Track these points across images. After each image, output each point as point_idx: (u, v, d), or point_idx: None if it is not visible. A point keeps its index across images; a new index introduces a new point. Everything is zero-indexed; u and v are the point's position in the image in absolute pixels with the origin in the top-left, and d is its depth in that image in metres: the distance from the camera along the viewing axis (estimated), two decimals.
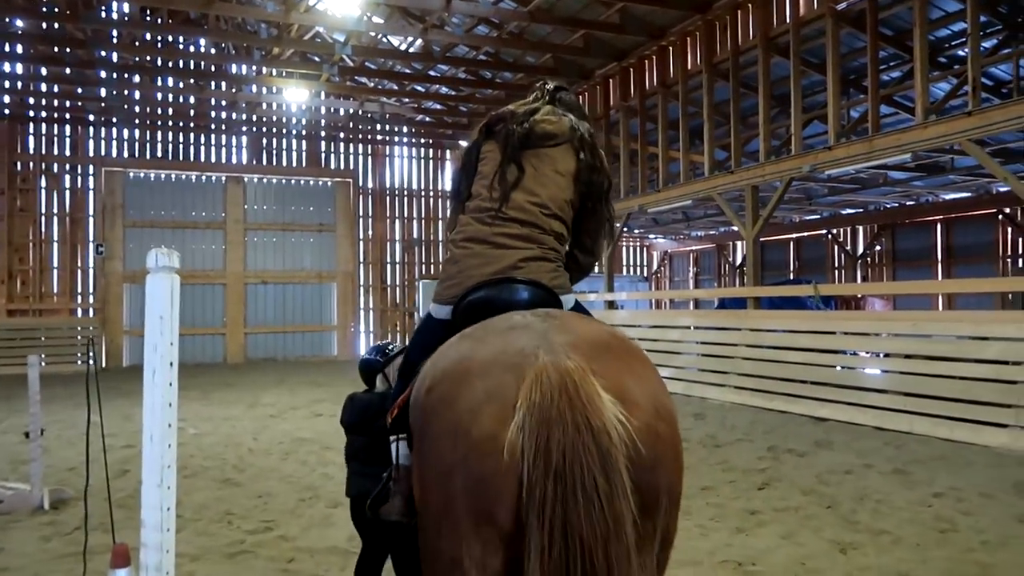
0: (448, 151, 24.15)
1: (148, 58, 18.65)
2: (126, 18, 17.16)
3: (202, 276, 20.90)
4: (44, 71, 17.64)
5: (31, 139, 19.91)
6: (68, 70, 17.21)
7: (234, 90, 18.84)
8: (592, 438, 1.59)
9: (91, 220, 20.30)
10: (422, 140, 23.69)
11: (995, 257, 17.96)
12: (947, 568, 4.37)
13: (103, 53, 16.22)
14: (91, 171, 20.29)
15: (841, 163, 10.24)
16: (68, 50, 15.88)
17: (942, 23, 11.69)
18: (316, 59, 17.60)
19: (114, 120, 20.24)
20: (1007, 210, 17.43)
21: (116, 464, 7.61)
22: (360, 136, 22.94)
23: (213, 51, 18.51)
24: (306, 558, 4.80)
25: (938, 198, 19.19)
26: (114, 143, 20.64)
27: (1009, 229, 17.88)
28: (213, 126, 21.37)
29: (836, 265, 21.92)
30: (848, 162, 10.30)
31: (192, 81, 19.35)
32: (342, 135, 22.80)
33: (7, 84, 18.40)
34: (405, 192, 23.79)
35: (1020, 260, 17.68)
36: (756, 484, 6.48)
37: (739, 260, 25.39)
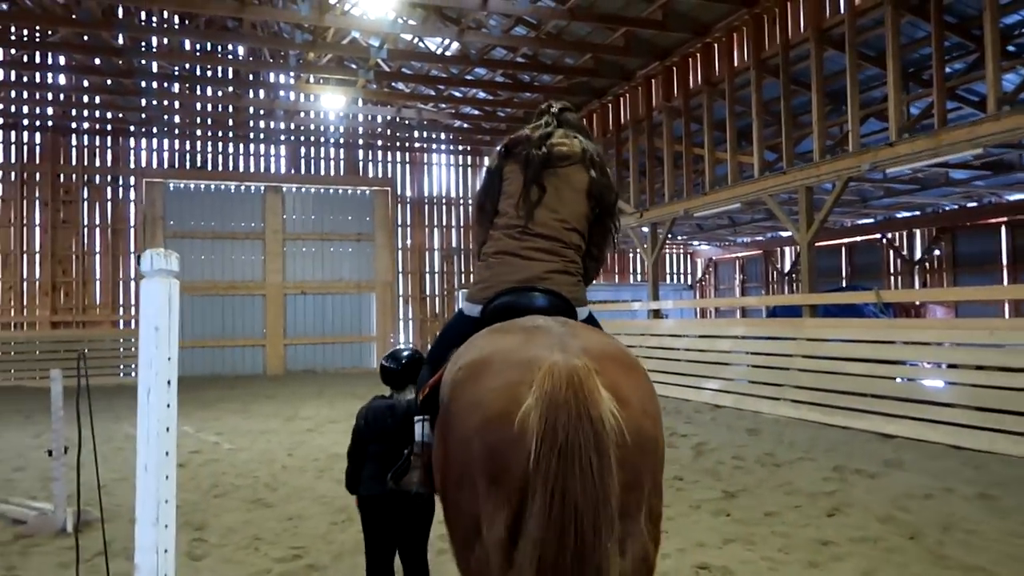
0: (486, 158, 23.82)
1: (187, 67, 18.72)
2: (164, 25, 17.20)
3: (242, 287, 20.86)
4: (86, 82, 17.78)
5: (73, 151, 20.11)
6: (108, 81, 17.32)
7: (272, 97, 18.78)
8: (590, 424, 1.87)
9: (132, 231, 20.42)
10: (459, 147, 23.42)
11: None
12: None
13: (142, 62, 16.26)
14: (132, 182, 20.41)
15: (904, 160, 9.56)
16: (108, 60, 15.96)
17: (1012, 8, 10.89)
18: (352, 66, 17.42)
19: (154, 131, 20.36)
20: None
21: None
22: (398, 144, 22.76)
23: (251, 58, 18.48)
24: None
25: (1001, 199, 18.20)
26: (154, 154, 20.77)
27: None
28: (251, 135, 21.39)
29: (892, 271, 20.95)
30: (913, 159, 9.62)
31: (230, 90, 19.37)
32: (380, 143, 22.66)
33: (50, 96, 18.62)
34: (443, 200, 23.52)
35: None
36: (825, 510, 5.92)
37: (788, 267, 24.57)
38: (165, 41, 17.09)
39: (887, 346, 9.77)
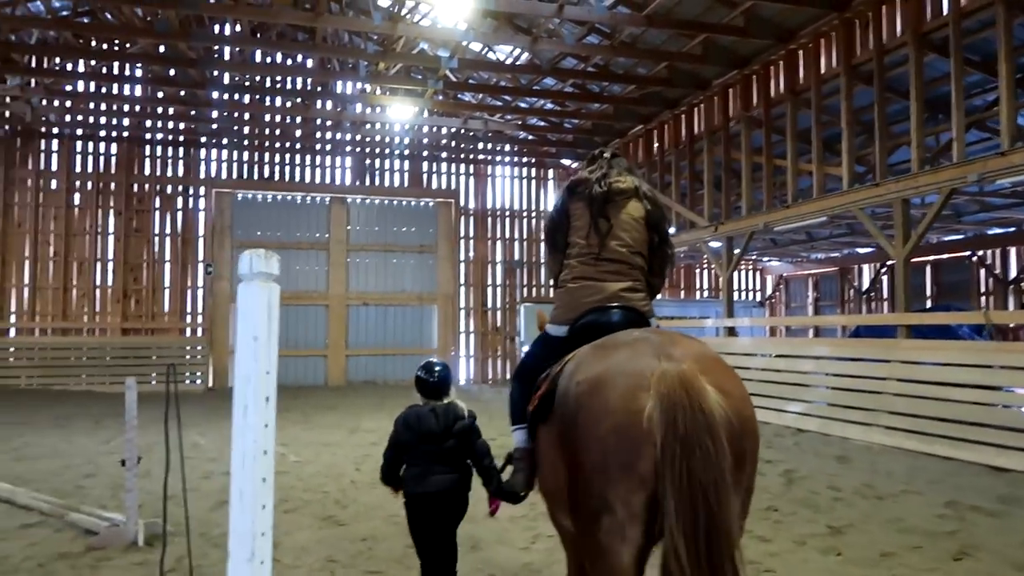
0: (551, 170, 23.49)
1: (257, 79, 18.93)
2: (238, 34, 17.40)
3: (306, 297, 20.93)
4: (160, 94, 18.11)
5: (147, 161, 20.53)
6: (182, 92, 17.60)
7: (339, 108, 18.83)
8: (704, 416, 2.26)
9: (201, 240, 20.69)
10: (524, 159, 23.15)
11: None
12: None
13: (215, 73, 16.45)
14: (202, 192, 20.72)
15: (1021, 171, 8.82)
16: (182, 71, 16.20)
17: None
18: (420, 76, 17.35)
19: (224, 142, 20.65)
20: None
21: (215, 494, 7.15)
22: (462, 155, 22.61)
23: (319, 69, 18.59)
24: None
25: None
26: (223, 165, 21.04)
27: None
28: (318, 146, 21.52)
29: (982, 291, 19.74)
30: None
31: (299, 100, 19.51)
32: (444, 154, 22.54)
33: (126, 107, 19.04)
34: (507, 212, 23.25)
35: None
36: (950, 552, 5.33)
37: (866, 285, 23.51)
38: (237, 51, 17.29)
39: (987, 371, 9.01)
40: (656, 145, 18.32)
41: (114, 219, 20.13)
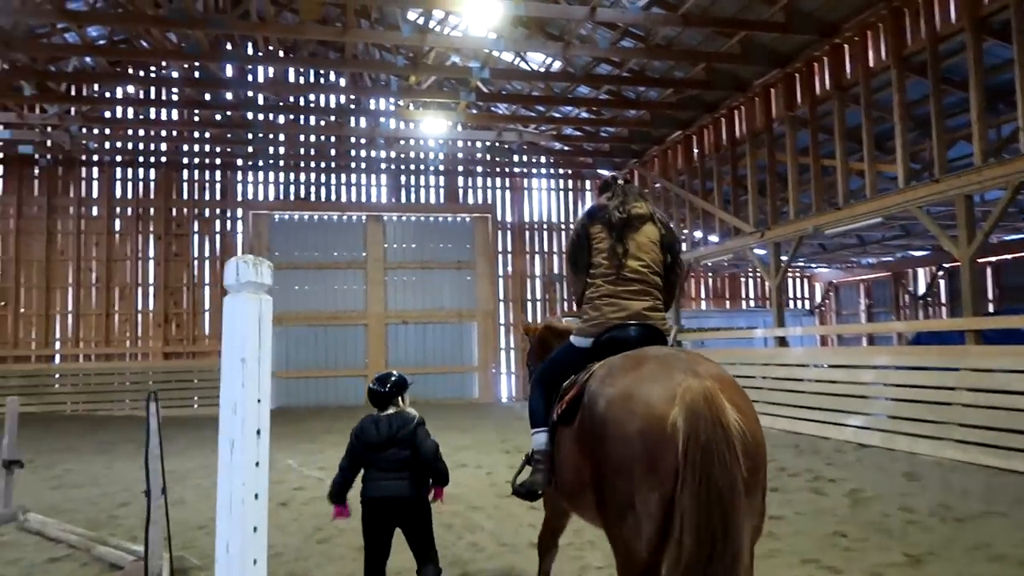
0: (588, 181, 23.05)
1: (291, 98, 18.92)
2: (271, 52, 17.41)
3: (344, 316, 20.77)
4: (196, 117, 18.21)
5: (184, 185, 20.67)
6: (217, 116, 17.65)
7: (373, 125, 18.71)
8: (722, 429, 2.50)
9: None
10: (560, 171, 22.77)
11: None
12: None
13: (249, 94, 16.45)
14: (239, 214, 20.77)
15: None
16: (216, 93, 16.23)
17: None
18: (452, 88, 17.12)
19: (260, 164, 20.70)
20: None
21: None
22: (497, 169, 22.34)
23: (351, 86, 18.51)
24: None
25: None
26: (260, 186, 21.10)
27: None
28: (353, 165, 21.45)
29: None
30: None
31: (332, 119, 19.46)
32: (479, 169, 22.30)
33: (164, 132, 19.20)
34: (544, 225, 22.87)
35: None
36: None
37: (922, 289, 22.52)
38: (271, 71, 17.28)
39: None
40: (696, 151, 17.78)
41: (154, 244, 20.28)
